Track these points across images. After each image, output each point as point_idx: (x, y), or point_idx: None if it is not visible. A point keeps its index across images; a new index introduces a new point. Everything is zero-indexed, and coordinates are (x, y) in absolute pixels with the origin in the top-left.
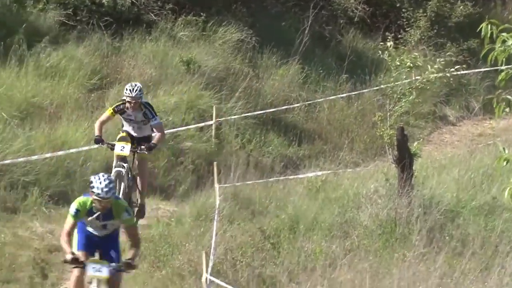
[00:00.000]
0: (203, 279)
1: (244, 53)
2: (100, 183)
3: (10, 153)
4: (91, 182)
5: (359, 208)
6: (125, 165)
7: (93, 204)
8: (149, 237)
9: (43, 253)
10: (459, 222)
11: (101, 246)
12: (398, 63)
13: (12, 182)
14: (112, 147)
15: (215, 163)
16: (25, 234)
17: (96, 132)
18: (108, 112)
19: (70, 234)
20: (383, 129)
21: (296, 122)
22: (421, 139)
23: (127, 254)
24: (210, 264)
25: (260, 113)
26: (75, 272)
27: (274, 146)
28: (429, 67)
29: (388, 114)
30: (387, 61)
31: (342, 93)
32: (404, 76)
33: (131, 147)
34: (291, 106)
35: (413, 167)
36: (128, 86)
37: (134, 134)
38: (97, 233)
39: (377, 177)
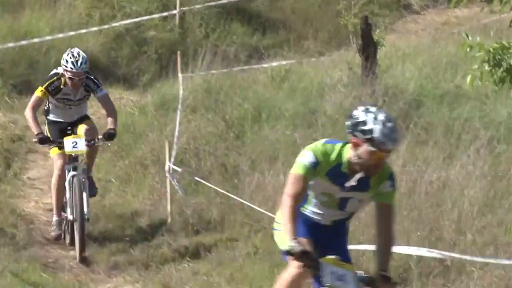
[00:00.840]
0: (166, 168)
1: None
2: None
3: None
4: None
5: (323, 97)
6: (80, 165)
7: None
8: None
9: (6, 143)
10: (422, 110)
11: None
12: None
13: None
14: (60, 145)
15: (178, 52)
16: None
17: (34, 128)
18: (38, 93)
19: None
20: (347, 18)
21: (260, 11)
22: (384, 28)
23: None
24: (173, 153)
25: (224, 2)
26: None
27: (238, 35)
28: None
29: (352, 2)
30: None
31: None
32: None
33: (84, 139)
34: None
35: (377, 56)
36: (68, 57)
37: (65, 120)
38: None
39: (341, 66)
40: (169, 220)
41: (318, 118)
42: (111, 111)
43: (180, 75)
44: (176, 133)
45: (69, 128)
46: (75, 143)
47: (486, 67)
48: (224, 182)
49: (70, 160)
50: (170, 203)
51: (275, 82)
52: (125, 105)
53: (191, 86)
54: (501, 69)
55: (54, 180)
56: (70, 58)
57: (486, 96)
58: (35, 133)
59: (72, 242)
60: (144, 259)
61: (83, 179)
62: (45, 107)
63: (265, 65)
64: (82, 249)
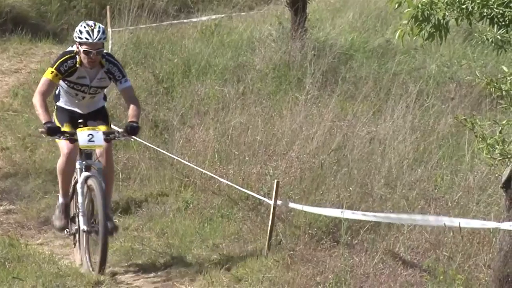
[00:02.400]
0: None
1: None
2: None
3: None
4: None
5: (253, 51)
6: (95, 164)
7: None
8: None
9: None
10: (352, 65)
11: None
12: None
13: None
14: (72, 138)
15: (107, 6)
16: None
17: (43, 115)
18: (48, 75)
19: None
20: None
21: None
22: None
23: None
24: None
25: None
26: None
27: None
28: None
29: None
30: None
31: None
32: None
33: (102, 132)
34: None
35: (307, 10)
36: (82, 28)
37: (80, 111)
38: None
39: (271, 21)
40: None
41: (248, 72)
42: (135, 105)
43: (109, 29)
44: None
45: (80, 121)
46: (91, 136)
47: (415, 23)
48: (154, 137)
49: (83, 156)
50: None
51: (204, 36)
52: None
53: (120, 41)
54: (430, 24)
55: (59, 165)
56: (85, 27)
57: (415, 50)
58: (43, 121)
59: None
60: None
61: (100, 181)
62: (56, 92)
63: (194, 20)
64: (102, 265)
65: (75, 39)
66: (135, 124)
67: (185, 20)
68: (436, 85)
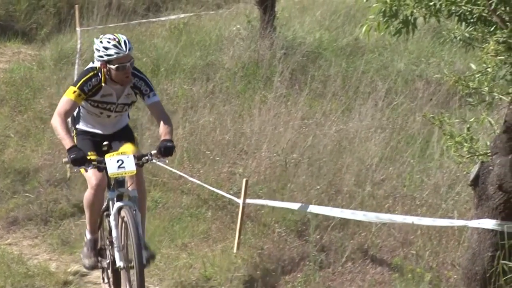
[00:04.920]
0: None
1: None
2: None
3: None
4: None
5: (221, 50)
6: (130, 192)
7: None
8: (10, 81)
9: None
10: (321, 63)
11: None
12: None
13: None
14: (101, 167)
15: (76, 6)
16: None
17: (67, 140)
18: (70, 95)
19: None
20: None
21: None
22: None
23: None
24: None
25: None
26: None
27: None
28: None
29: None
30: None
31: None
32: None
33: (133, 156)
34: None
35: (276, 8)
36: (105, 43)
37: (103, 132)
38: None
39: (240, 19)
40: (68, 175)
41: (217, 71)
42: (166, 120)
43: (78, 28)
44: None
45: (105, 143)
46: (121, 162)
47: (382, 18)
48: None
49: (114, 185)
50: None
51: (173, 35)
52: (23, 60)
53: (89, 40)
54: (397, 20)
55: (87, 197)
56: (108, 42)
57: (383, 48)
58: (67, 147)
59: None
60: (43, 214)
61: (134, 211)
62: (77, 118)
63: (163, 18)
64: None
65: (99, 59)
66: (169, 144)
67: (153, 19)
68: (405, 83)
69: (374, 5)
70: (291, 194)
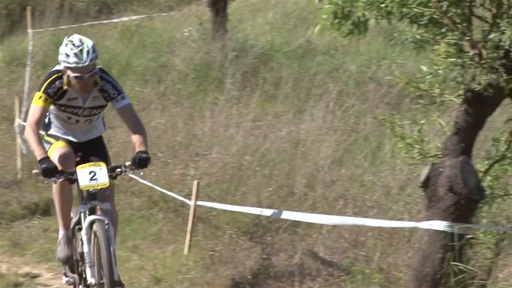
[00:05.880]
0: (15, 124)
1: None
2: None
3: None
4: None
5: (173, 52)
6: (102, 205)
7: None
8: None
9: None
10: (272, 65)
11: None
12: None
13: None
14: (72, 178)
15: (28, 7)
16: None
17: (38, 151)
18: (37, 101)
19: None
20: None
21: None
22: None
23: None
24: (23, 109)
25: None
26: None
27: None
28: None
29: None
30: None
31: None
32: None
33: (105, 168)
34: None
35: (227, 10)
36: (68, 49)
37: (75, 139)
38: None
39: (191, 21)
40: (19, 176)
41: (168, 73)
42: (138, 127)
43: (30, 30)
44: (26, 90)
45: (78, 153)
46: (94, 174)
47: (334, 20)
48: None
49: (86, 197)
50: (21, 160)
51: (125, 37)
52: None
53: (41, 42)
54: (350, 21)
55: (54, 191)
56: (71, 49)
57: (335, 50)
58: (38, 158)
59: None
60: None
61: (106, 226)
62: (47, 122)
63: (115, 20)
64: None
65: (60, 62)
66: (144, 155)
67: (105, 21)
68: (356, 85)
69: (326, 6)
70: (243, 196)
